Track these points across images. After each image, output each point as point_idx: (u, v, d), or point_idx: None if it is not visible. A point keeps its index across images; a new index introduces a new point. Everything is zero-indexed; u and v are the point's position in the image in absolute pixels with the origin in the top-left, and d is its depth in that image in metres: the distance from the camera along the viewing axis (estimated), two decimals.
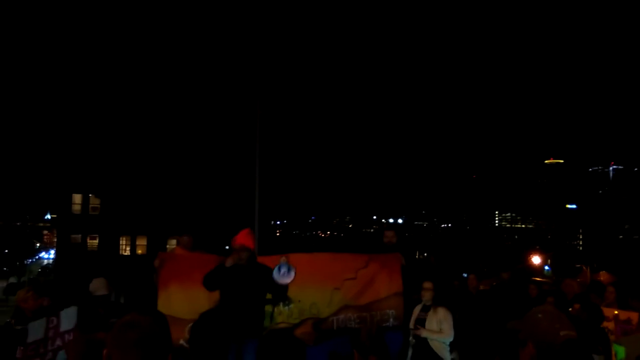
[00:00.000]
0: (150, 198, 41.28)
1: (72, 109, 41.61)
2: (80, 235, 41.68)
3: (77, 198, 42.33)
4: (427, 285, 6.85)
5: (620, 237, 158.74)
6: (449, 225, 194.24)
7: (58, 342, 5.46)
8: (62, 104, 42.85)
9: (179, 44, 43.40)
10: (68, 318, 5.76)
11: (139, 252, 42.14)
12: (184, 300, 6.39)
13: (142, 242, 42.51)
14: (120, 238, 42.91)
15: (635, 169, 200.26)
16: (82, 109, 41.29)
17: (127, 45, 42.25)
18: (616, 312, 6.88)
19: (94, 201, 42.72)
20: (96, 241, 42.38)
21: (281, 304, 6.46)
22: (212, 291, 5.99)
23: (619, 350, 6.35)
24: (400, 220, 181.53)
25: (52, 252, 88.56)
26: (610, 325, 6.78)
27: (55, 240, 51.09)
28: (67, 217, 41.93)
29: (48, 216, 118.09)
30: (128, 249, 43.30)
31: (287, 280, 5.95)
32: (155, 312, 2.38)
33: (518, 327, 2.74)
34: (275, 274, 5.91)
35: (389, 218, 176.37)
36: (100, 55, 41.84)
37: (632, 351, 5.79)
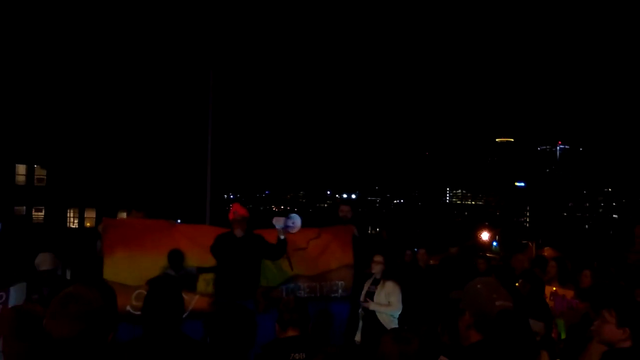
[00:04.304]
0: (100, 169, 40.14)
1: (15, 75, 39.82)
2: (24, 207, 40.26)
3: (21, 169, 40.62)
4: (378, 258, 6.92)
5: (565, 214, 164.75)
6: (401, 201, 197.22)
7: None
8: (2, 69, 40.97)
9: (130, 11, 42.01)
10: (17, 294, 5.55)
11: (88, 224, 41.08)
12: (130, 267, 6.30)
13: (90, 214, 41.41)
14: (68, 210, 41.68)
15: (581, 149, 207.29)
16: (27, 74, 39.55)
17: (75, 10, 40.57)
18: (554, 289, 7.17)
19: (40, 172, 41.19)
20: (42, 213, 41.04)
21: None
22: (220, 261, 6.29)
23: (559, 324, 6.67)
24: (353, 196, 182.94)
25: None
26: (550, 303, 7.06)
27: None
28: (10, 189, 40.38)
29: None
30: (76, 221, 42.16)
31: (293, 230, 6.61)
32: (101, 284, 2.31)
33: (459, 297, 2.82)
34: (287, 222, 6.54)
35: (343, 193, 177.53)
36: (46, 20, 40.04)
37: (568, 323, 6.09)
